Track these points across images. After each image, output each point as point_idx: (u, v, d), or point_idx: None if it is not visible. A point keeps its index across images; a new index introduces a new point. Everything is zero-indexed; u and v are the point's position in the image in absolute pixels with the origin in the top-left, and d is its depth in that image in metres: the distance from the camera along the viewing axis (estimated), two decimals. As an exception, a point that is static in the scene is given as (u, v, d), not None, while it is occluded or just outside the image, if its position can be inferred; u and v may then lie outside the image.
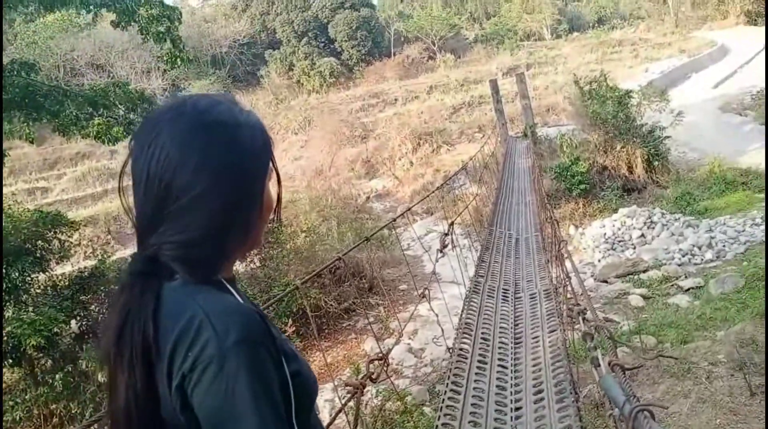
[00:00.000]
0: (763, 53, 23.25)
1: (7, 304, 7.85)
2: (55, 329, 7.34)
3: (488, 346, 4.46)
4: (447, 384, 3.81)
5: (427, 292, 4.30)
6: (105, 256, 10.20)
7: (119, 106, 9.71)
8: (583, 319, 3.02)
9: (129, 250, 16.74)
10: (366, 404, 6.61)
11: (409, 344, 9.10)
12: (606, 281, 10.32)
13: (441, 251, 5.24)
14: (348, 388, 2.71)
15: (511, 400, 3.71)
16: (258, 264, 10.92)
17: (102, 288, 8.87)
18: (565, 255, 4.76)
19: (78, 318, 8.60)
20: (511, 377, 4.02)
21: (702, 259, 10.44)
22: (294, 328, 8.65)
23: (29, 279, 8.24)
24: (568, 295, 4.28)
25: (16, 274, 7.94)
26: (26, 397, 7.62)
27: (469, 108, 28.55)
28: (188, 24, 32.71)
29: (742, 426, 5.03)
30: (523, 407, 3.60)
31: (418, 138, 23.90)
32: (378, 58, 38.65)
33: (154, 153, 0.87)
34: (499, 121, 19.99)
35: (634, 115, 15.25)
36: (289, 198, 14.03)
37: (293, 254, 11.15)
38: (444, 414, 3.48)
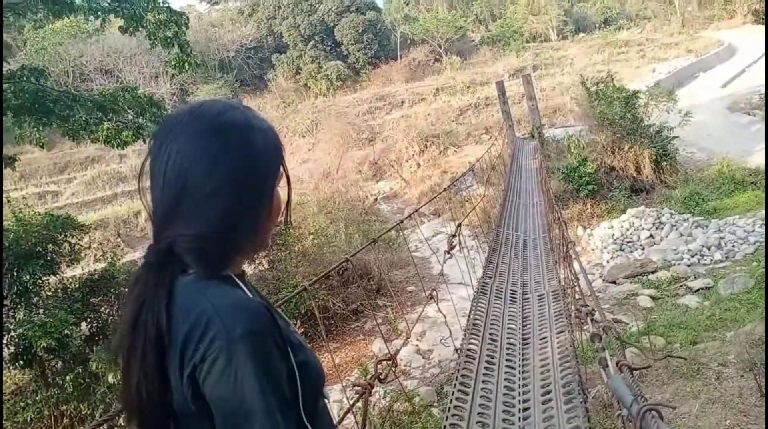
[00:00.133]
0: (772, 52, 23.08)
1: (18, 306, 7.93)
2: (66, 331, 7.41)
3: (496, 346, 4.47)
4: (455, 384, 3.82)
5: (435, 293, 4.31)
6: (115, 258, 10.26)
7: (128, 110, 9.78)
8: (592, 319, 3.02)
9: (138, 253, 16.85)
10: (374, 405, 6.62)
11: (417, 345, 9.10)
12: (614, 282, 10.28)
13: (449, 252, 5.24)
14: (356, 388, 2.73)
15: (520, 401, 3.71)
16: (266, 266, 10.97)
17: (112, 290, 8.93)
18: (573, 256, 4.75)
19: (88, 320, 8.66)
20: (520, 378, 4.02)
21: (711, 260, 10.38)
22: (302, 330, 8.67)
23: (40, 282, 8.30)
24: (577, 296, 4.28)
25: (27, 276, 8.01)
26: (37, 398, 7.69)
27: (476, 110, 28.54)
28: (195, 29, 32.91)
29: (752, 427, 5.00)
30: (531, 408, 3.60)
31: (425, 140, 23.91)
32: (384, 60, 38.70)
33: (172, 152, 0.92)
34: (505, 123, 19.95)
35: (641, 116, 15.19)
36: (297, 200, 14.08)
37: (301, 256, 11.20)
38: (452, 414, 3.49)
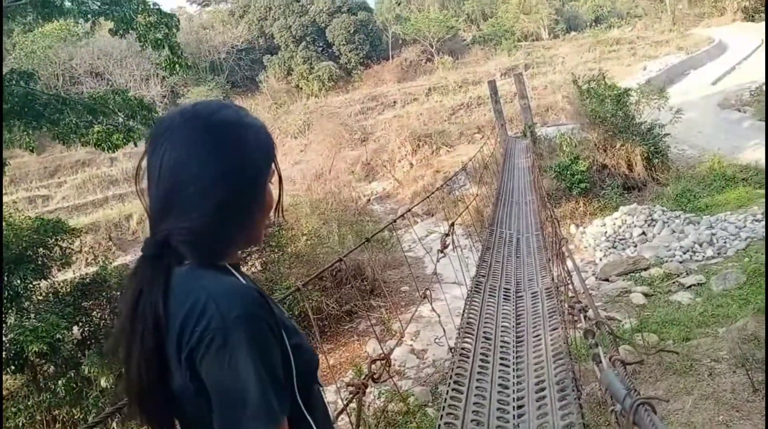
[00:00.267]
0: (762, 49, 23.28)
1: (10, 311, 7.86)
2: (57, 335, 7.34)
3: (490, 345, 4.47)
4: (449, 383, 3.81)
5: (428, 292, 4.31)
6: (106, 262, 10.22)
7: (118, 113, 9.71)
8: (585, 316, 3.02)
9: (130, 257, 16.76)
10: (368, 406, 6.61)
11: (411, 345, 9.10)
12: (607, 279, 10.32)
13: (442, 252, 5.25)
14: (350, 388, 2.71)
15: (514, 399, 3.71)
16: (259, 267, 10.92)
17: (104, 294, 8.88)
18: (566, 254, 4.77)
19: (80, 324, 8.61)
20: (514, 375, 4.02)
21: (703, 256, 10.43)
22: (296, 332, 8.63)
23: (31, 286, 8.25)
24: (570, 294, 4.29)
25: (18, 281, 7.95)
26: (29, 403, 7.64)
27: (468, 109, 28.58)
28: (186, 31, 32.83)
29: (744, 422, 5.03)
30: (525, 405, 3.60)
31: (417, 140, 23.90)
32: (376, 61, 38.71)
33: (167, 149, 0.96)
34: (498, 122, 19.99)
35: (633, 113, 15.27)
36: (290, 201, 14.05)
37: (294, 257, 11.17)
38: (446, 413, 3.48)
